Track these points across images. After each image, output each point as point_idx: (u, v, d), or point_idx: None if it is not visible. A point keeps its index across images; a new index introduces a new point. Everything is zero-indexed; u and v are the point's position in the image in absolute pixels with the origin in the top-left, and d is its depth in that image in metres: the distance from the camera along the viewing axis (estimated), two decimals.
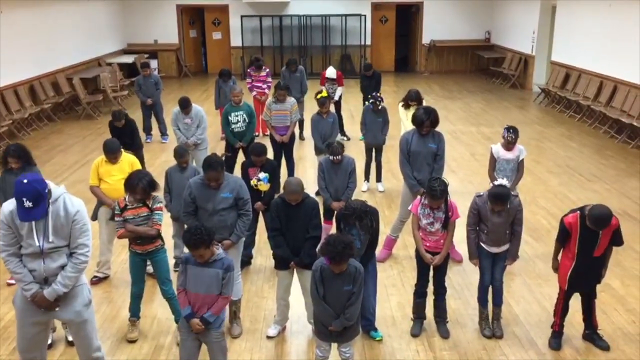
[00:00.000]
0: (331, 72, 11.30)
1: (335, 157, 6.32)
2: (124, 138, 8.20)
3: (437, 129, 6.33)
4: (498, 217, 5.01)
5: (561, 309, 5.07)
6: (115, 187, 5.88)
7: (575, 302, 5.10)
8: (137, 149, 8.13)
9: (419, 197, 5.20)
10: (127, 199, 5.02)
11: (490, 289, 5.27)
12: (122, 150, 6.19)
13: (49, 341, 4.95)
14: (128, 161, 6.08)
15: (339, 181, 6.38)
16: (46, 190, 3.75)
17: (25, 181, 3.68)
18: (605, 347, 5.06)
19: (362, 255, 4.87)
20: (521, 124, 11.15)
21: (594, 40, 13.14)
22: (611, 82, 12.32)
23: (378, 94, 8.44)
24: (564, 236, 4.88)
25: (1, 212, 3.85)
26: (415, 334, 5.29)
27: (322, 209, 6.02)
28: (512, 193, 5.04)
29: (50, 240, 3.82)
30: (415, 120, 6.20)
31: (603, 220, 4.58)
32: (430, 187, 4.90)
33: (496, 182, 5.04)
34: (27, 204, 3.63)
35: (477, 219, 5.11)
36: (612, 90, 12.23)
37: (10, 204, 3.80)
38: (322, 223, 5.27)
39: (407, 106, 8.14)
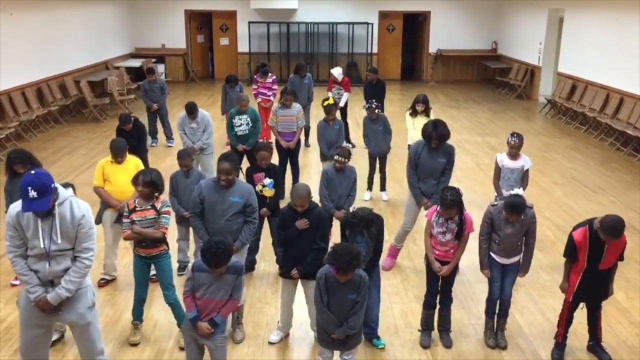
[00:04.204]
0: (337, 72, 11.07)
1: (339, 159, 6.26)
2: (131, 141, 8.26)
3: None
4: (512, 227, 4.97)
5: (565, 320, 5.04)
6: (120, 189, 5.89)
7: (580, 314, 5.08)
8: (142, 153, 8.22)
9: (435, 205, 5.17)
10: (136, 202, 5.04)
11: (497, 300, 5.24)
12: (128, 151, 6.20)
13: (53, 338, 4.95)
14: (133, 163, 6.08)
15: (343, 190, 6.34)
16: (52, 185, 3.74)
17: (32, 172, 3.72)
18: None
19: (367, 263, 4.86)
20: (527, 134, 11.06)
21: (600, 53, 13.16)
22: (618, 94, 12.32)
23: (372, 101, 8.47)
24: (572, 251, 4.82)
25: (8, 214, 3.85)
26: (425, 345, 5.24)
27: None
28: (527, 204, 5.00)
29: (57, 242, 3.82)
30: (423, 134, 6.18)
31: (617, 228, 4.53)
32: (442, 195, 4.88)
33: (512, 192, 4.97)
34: (32, 193, 3.62)
35: (490, 229, 5.07)
36: (619, 102, 12.23)
37: (17, 206, 3.79)
38: None
39: (414, 114, 8.14)
